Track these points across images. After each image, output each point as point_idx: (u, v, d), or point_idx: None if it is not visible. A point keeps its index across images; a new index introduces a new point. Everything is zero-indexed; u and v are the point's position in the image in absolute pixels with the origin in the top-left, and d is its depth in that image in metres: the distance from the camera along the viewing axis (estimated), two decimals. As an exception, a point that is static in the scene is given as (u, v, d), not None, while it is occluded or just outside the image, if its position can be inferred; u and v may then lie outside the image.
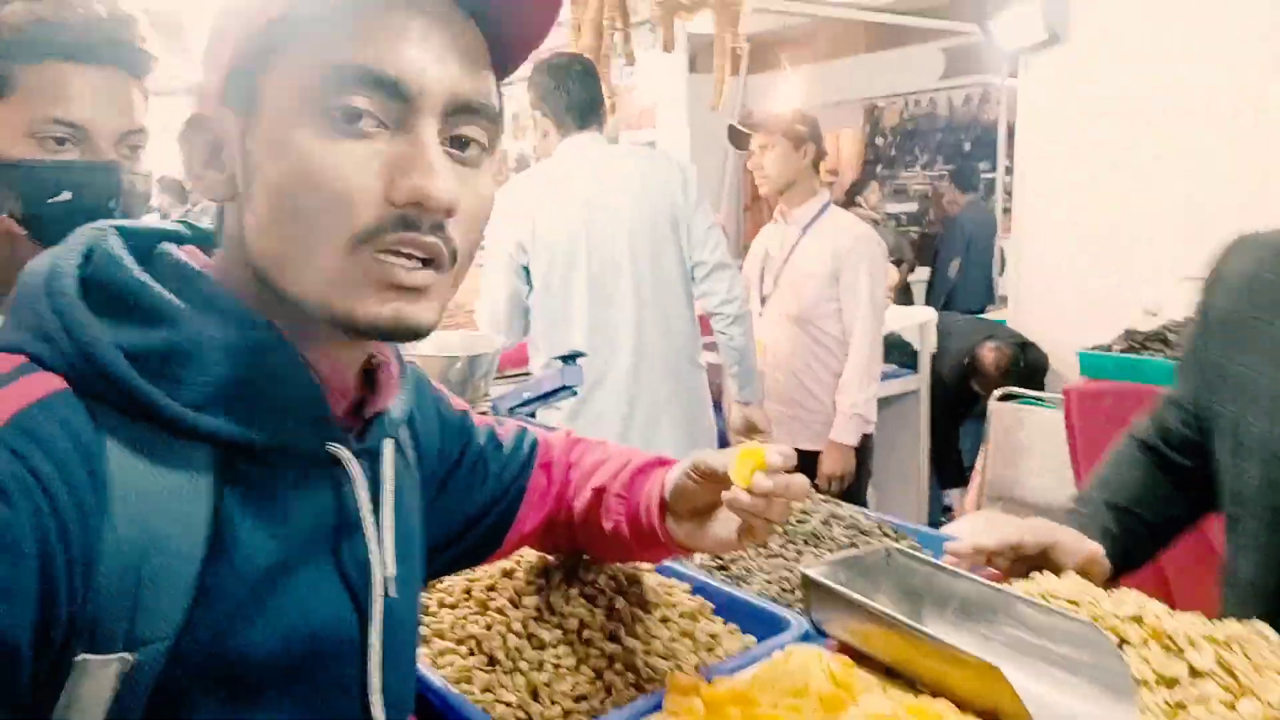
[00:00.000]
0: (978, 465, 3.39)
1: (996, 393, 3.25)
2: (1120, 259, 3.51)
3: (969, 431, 4.03)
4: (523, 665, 0.94)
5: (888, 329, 3.09)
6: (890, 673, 0.89)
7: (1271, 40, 3.07)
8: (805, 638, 0.97)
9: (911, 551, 0.98)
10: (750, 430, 2.61)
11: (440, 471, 0.84)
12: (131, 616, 0.53)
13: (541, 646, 0.95)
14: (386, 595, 0.66)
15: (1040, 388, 3.58)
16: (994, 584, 0.94)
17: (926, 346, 3.75)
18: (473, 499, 0.88)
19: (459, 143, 0.59)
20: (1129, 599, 0.93)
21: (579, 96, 2.32)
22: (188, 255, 0.62)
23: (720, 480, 0.79)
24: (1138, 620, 0.88)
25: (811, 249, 2.73)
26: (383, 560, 0.66)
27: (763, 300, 2.84)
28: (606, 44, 2.88)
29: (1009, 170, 6.86)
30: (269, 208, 0.57)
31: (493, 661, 0.95)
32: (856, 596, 0.87)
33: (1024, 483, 3.15)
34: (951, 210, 6.66)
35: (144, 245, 0.62)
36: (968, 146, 10.10)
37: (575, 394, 1.78)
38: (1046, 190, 3.85)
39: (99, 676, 0.53)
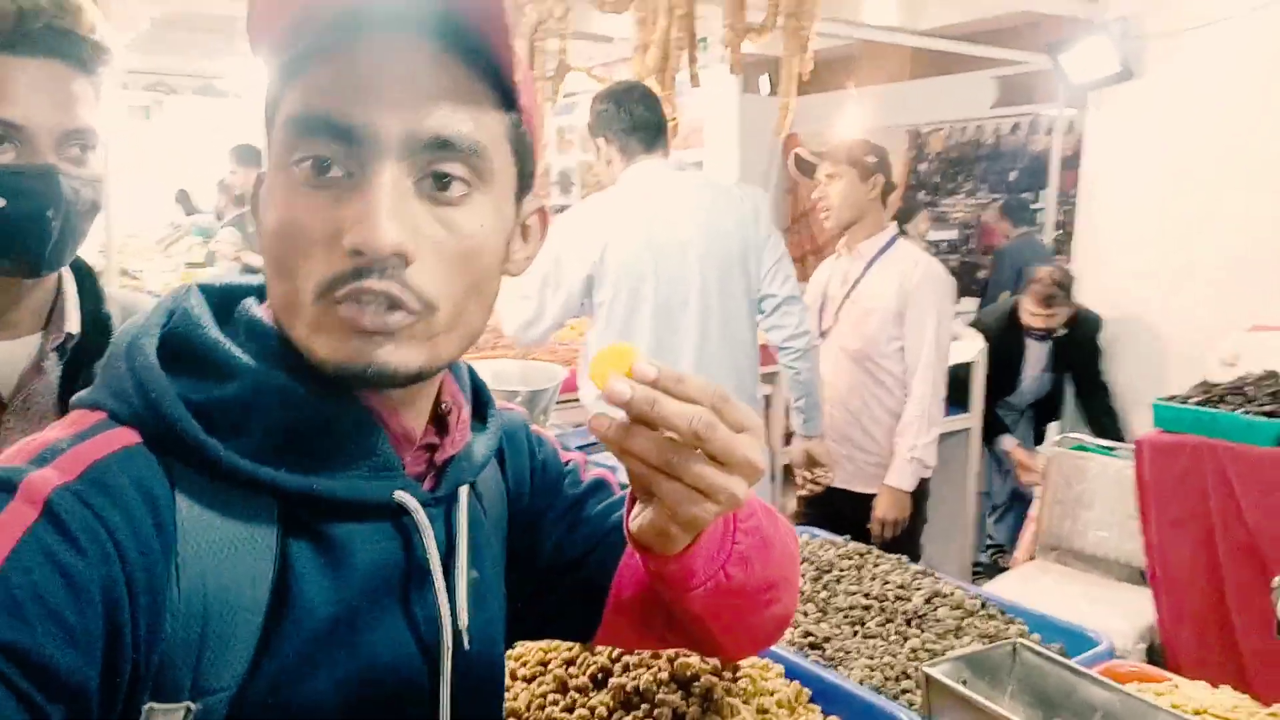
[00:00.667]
0: (1032, 512, 3.27)
1: (1060, 438, 3.13)
2: (1189, 304, 3.39)
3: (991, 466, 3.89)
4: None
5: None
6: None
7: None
8: (920, 741, 0.88)
9: (1042, 650, 0.89)
10: (811, 465, 2.52)
11: (532, 518, 0.80)
12: (197, 666, 0.55)
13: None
14: (460, 648, 0.65)
15: (1090, 363, 3.53)
16: (1135, 694, 0.84)
17: (977, 381, 3.64)
18: (562, 549, 0.80)
19: (439, 180, 0.58)
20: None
21: (643, 119, 2.25)
22: (263, 310, 0.63)
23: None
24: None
25: (876, 284, 2.63)
26: (454, 612, 0.65)
27: (822, 334, 2.75)
28: (673, 65, 2.81)
29: (1060, 201, 6.74)
30: (266, 261, 0.60)
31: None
32: (998, 709, 0.78)
33: (1083, 534, 3.03)
34: (1000, 242, 6.54)
35: (228, 301, 0.64)
36: (1013, 176, 9.98)
37: None
38: (1111, 227, 3.74)
39: None
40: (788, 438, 3.57)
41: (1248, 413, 2.49)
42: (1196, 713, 0.84)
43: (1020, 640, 0.91)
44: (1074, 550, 3.06)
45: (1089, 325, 3.57)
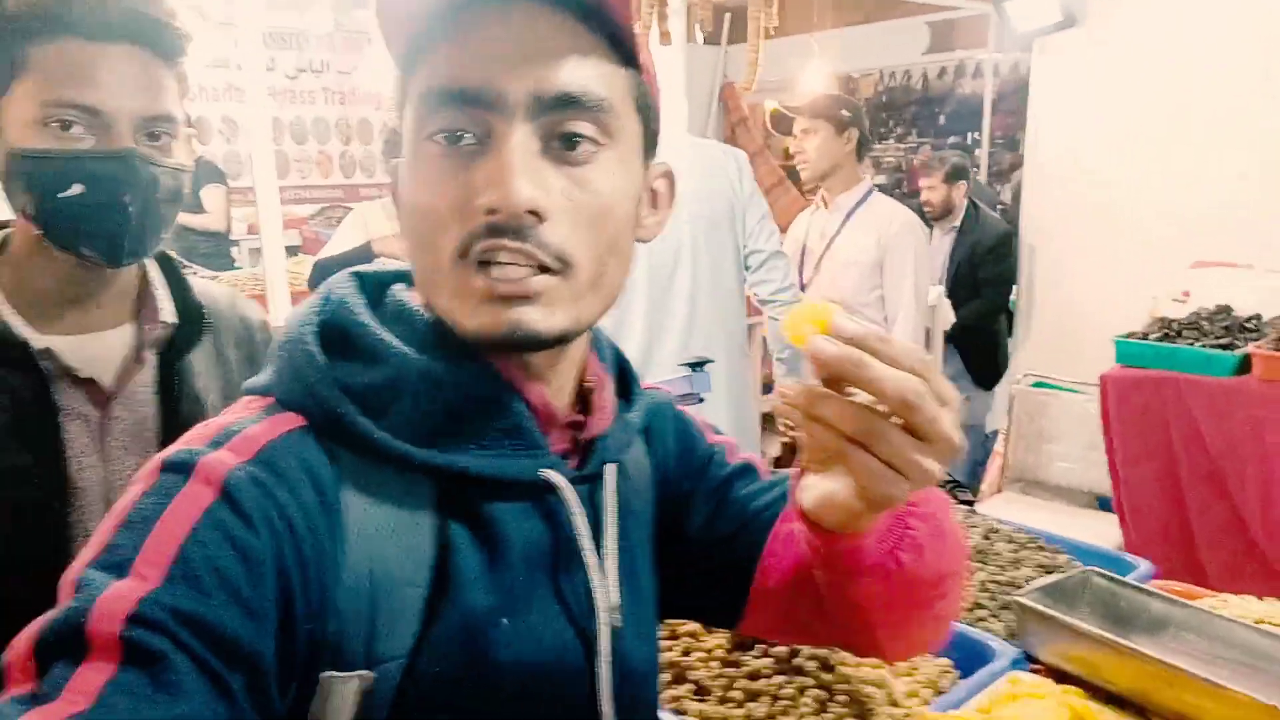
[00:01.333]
0: (997, 447, 3.43)
1: (1021, 377, 3.28)
2: (1137, 245, 3.56)
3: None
4: (735, 695, 0.91)
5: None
6: (1111, 698, 0.88)
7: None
8: (1014, 665, 0.96)
9: (1113, 576, 0.98)
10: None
11: (679, 497, 0.80)
12: (369, 637, 0.57)
13: (755, 676, 0.93)
14: (615, 627, 0.65)
15: (982, 264, 3.89)
16: (1203, 607, 0.94)
17: (939, 326, 3.78)
18: (707, 527, 0.79)
19: (568, 140, 0.58)
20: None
21: None
22: (410, 294, 0.65)
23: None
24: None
25: (855, 237, 2.71)
26: (606, 589, 0.65)
27: (803, 287, 2.82)
28: (644, 22, 2.81)
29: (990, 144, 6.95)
30: (406, 235, 0.61)
31: (701, 691, 0.93)
32: (1097, 630, 0.86)
33: (1047, 466, 3.20)
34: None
35: (381, 287, 0.66)
36: (942, 120, 10.19)
37: (702, 401, 1.75)
38: (1059, 173, 3.88)
39: (342, 693, 0.56)
40: (766, 387, 3.67)
41: (1205, 346, 2.65)
42: (1258, 621, 0.93)
43: (1093, 569, 1.00)
44: (1039, 481, 3.23)
45: (986, 225, 4.01)
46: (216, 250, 4.82)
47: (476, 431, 0.61)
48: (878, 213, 2.72)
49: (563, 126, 0.57)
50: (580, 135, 0.58)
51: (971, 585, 1.14)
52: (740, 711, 0.90)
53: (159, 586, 0.50)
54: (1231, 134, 3.29)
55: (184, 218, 4.72)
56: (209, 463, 0.55)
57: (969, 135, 9.72)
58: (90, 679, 0.47)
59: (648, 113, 0.63)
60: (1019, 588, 1.07)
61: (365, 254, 2.74)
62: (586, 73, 0.58)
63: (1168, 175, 3.47)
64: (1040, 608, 0.91)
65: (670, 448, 0.80)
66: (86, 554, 0.53)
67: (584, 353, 0.69)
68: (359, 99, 7.34)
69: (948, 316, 3.77)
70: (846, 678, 0.93)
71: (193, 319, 1.06)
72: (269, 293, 2.67)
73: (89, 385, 0.98)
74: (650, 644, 0.75)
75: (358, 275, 0.66)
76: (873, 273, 2.69)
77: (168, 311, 1.04)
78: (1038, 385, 3.29)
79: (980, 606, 1.11)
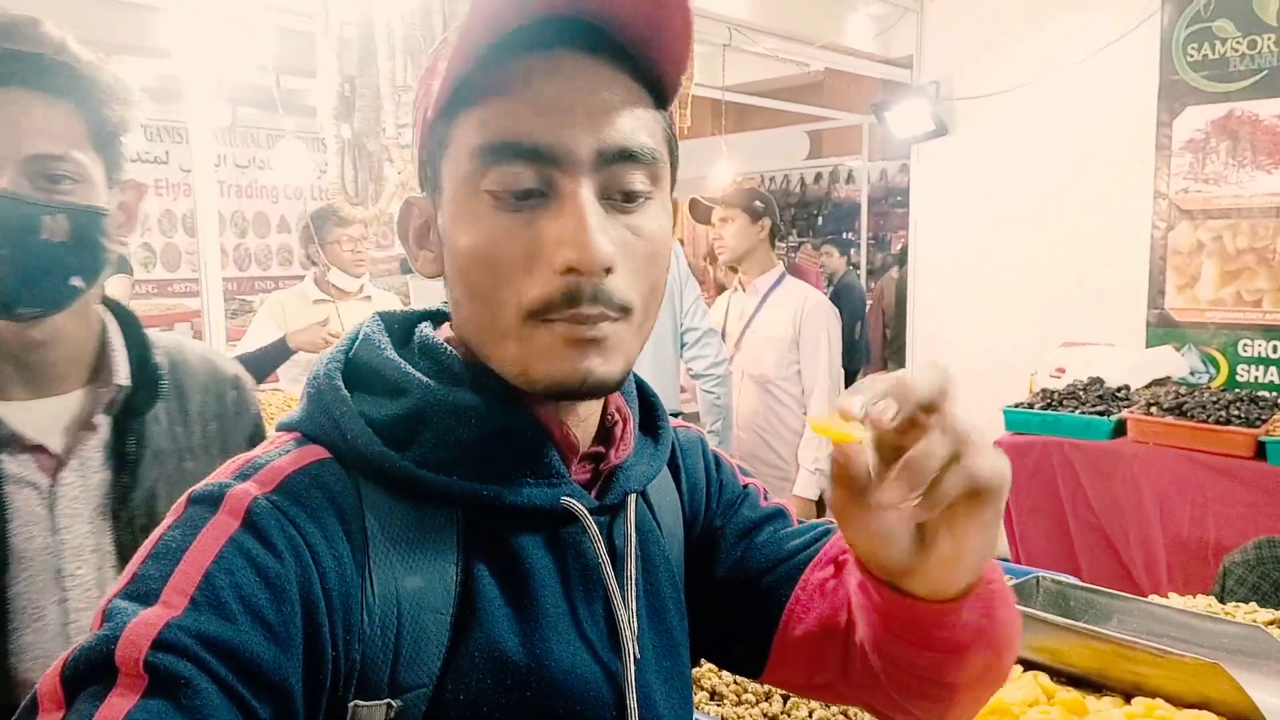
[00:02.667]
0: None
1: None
2: (1011, 326, 3.91)
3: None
4: (749, 698, 1.00)
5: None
6: (1071, 681, 1.01)
7: (1128, 132, 3.57)
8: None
9: (1060, 578, 1.12)
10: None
11: (709, 535, 0.78)
12: (394, 665, 0.57)
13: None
14: (636, 657, 0.65)
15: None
16: (1142, 599, 1.09)
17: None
18: (733, 568, 0.77)
19: (627, 194, 0.59)
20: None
21: None
22: (438, 332, 0.66)
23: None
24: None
25: (772, 316, 2.91)
26: (628, 618, 0.65)
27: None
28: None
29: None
30: (457, 283, 0.61)
31: (716, 695, 1.01)
32: (1058, 618, 1.00)
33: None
34: (814, 280, 7.14)
35: (407, 327, 0.68)
36: (820, 220, 10.81)
37: None
38: (939, 263, 4.26)
39: None
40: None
41: (1084, 412, 2.94)
42: (1182, 610, 1.09)
43: (1041, 573, 1.14)
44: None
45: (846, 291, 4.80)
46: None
47: (499, 461, 0.61)
48: (792, 294, 2.93)
49: (621, 180, 0.58)
50: (637, 187, 0.59)
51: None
52: (756, 709, 0.98)
53: (184, 613, 0.50)
54: (1086, 224, 3.71)
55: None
56: (235, 494, 0.56)
57: (844, 234, 10.37)
58: (117, 706, 0.47)
59: (674, 150, 0.64)
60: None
61: (283, 349, 2.76)
62: (638, 124, 0.59)
63: (1034, 263, 3.86)
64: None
65: (700, 482, 0.79)
66: (117, 586, 0.53)
67: None
68: (256, 192, 7.33)
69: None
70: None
71: (149, 381, 1.01)
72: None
73: (38, 451, 0.94)
74: (682, 673, 0.72)
75: (383, 316, 0.68)
76: (790, 348, 2.89)
77: (122, 374, 1.00)
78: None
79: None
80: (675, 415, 2.03)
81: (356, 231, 2.95)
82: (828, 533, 0.78)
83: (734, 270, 3.07)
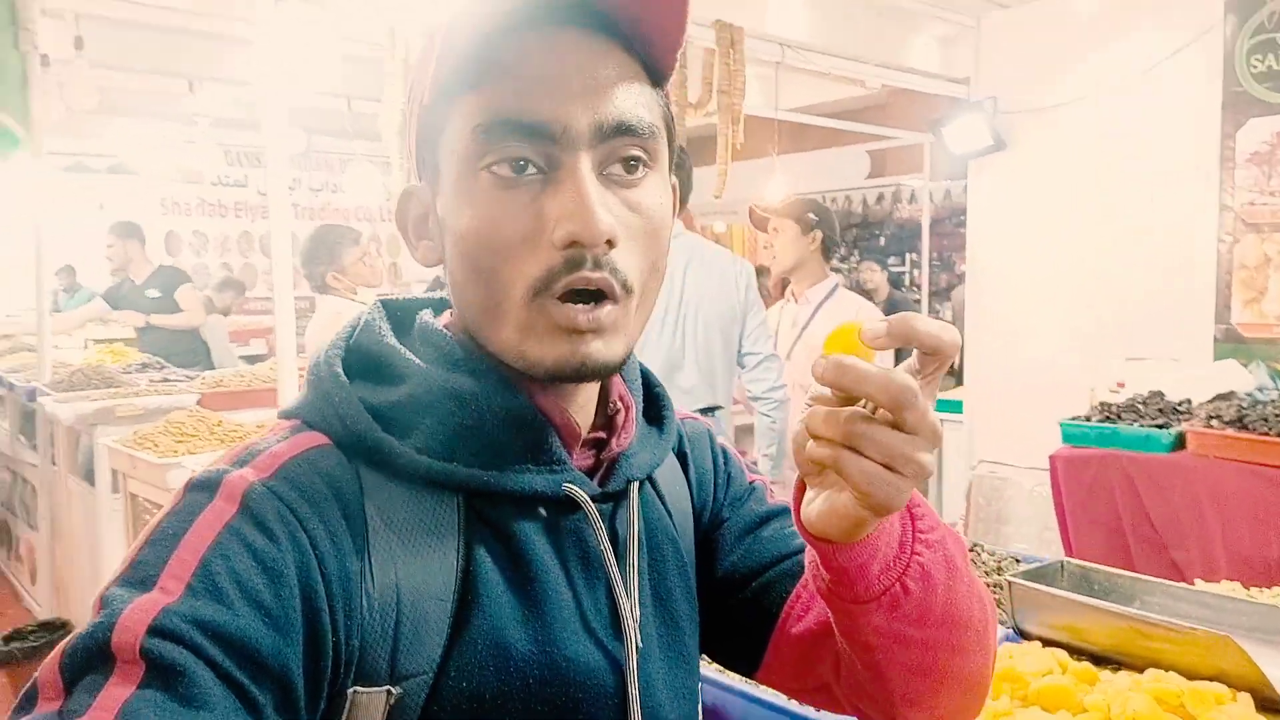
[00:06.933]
0: (958, 530, 3.61)
1: (978, 464, 3.49)
2: (1071, 341, 3.86)
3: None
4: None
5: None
6: (1096, 662, 1.03)
7: (1190, 145, 3.52)
8: (1005, 640, 1.11)
9: (1080, 562, 1.14)
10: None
11: (716, 527, 0.78)
12: (393, 652, 0.56)
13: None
14: (638, 645, 0.64)
15: None
16: (1162, 580, 1.11)
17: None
18: (735, 561, 0.76)
19: (627, 166, 0.59)
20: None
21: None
22: (437, 319, 0.66)
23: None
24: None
25: (824, 327, 2.94)
26: (630, 605, 0.65)
27: (775, 373, 3.03)
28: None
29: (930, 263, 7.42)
30: (457, 268, 0.61)
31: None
32: (1079, 597, 1.02)
33: (1005, 547, 3.38)
34: (879, 295, 7.06)
35: (408, 315, 0.68)
36: (882, 241, 10.73)
37: None
38: (997, 279, 4.23)
39: (368, 708, 0.56)
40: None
41: (1143, 426, 2.90)
42: (1203, 591, 1.10)
43: (1066, 558, 1.17)
44: (998, 562, 3.41)
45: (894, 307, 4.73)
46: (192, 347, 4.92)
47: (500, 448, 0.61)
48: (845, 305, 2.96)
49: (619, 154, 0.58)
50: (635, 160, 0.59)
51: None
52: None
53: (180, 598, 0.49)
54: (1148, 238, 3.66)
55: (160, 319, 4.85)
56: (232, 480, 0.55)
57: (906, 256, 10.28)
58: (114, 694, 0.46)
59: (671, 128, 0.64)
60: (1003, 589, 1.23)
61: None
62: (635, 100, 0.59)
63: (1094, 278, 3.81)
64: (1031, 584, 1.07)
65: (708, 473, 0.79)
66: (114, 573, 0.52)
67: None
68: (329, 214, 7.63)
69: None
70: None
71: None
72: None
73: None
74: (689, 661, 0.72)
75: (385, 303, 0.68)
76: None
77: None
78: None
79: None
80: (709, 412, 2.09)
81: (370, 246, 3.10)
82: None
83: (785, 282, 3.11)
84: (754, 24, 3.58)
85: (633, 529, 0.67)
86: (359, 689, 0.55)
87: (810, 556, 0.61)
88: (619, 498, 0.67)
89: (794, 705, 0.98)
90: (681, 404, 2.20)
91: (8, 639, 3.44)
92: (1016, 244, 4.16)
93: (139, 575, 0.51)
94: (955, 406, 4.47)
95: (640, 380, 0.72)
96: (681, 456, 0.77)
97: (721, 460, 0.80)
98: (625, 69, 0.60)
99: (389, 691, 0.56)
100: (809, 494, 0.56)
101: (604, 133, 0.57)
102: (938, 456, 4.73)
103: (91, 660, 0.48)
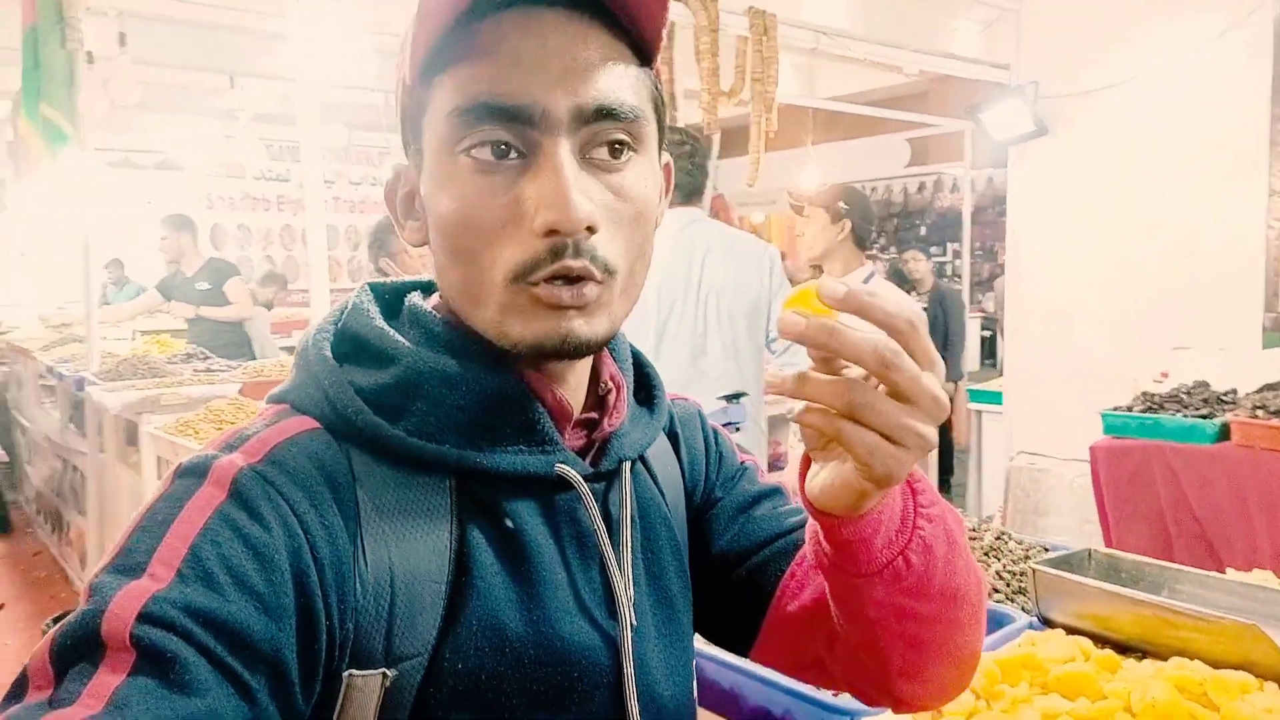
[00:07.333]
0: (996, 523, 3.56)
1: (1016, 455, 3.44)
2: (1113, 330, 3.79)
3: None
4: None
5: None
6: (1123, 651, 1.02)
7: (1237, 128, 3.42)
8: (1029, 628, 1.09)
9: (1113, 552, 1.12)
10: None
11: (709, 507, 0.78)
12: (388, 634, 0.56)
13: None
14: (633, 624, 0.64)
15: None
16: (1190, 569, 1.08)
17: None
18: (729, 542, 0.77)
19: (611, 150, 0.58)
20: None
21: (687, 174, 2.48)
22: (427, 301, 0.66)
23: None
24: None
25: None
26: (624, 585, 0.65)
27: (809, 362, 3.00)
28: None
29: (972, 253, 7.29)
30: (440, 249, 0.61)
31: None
32: (1104, 585, 1.01)
33: (1044, 538, 3.33)
34: (924, 286, 6.96)
35: (397, 297, 0.67)
36: (923, 231, 10.56)
37: (738, 430, 1.91)
38: (1038, 266, 4.15)
39: (364, 691, 0.56)
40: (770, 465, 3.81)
41: (1187, 416, 2.83)
42: (1232, 580, 1.08)
43: (1093, 548, 1.15)
44: (1037, 555, 3.36)
45: (942, 297, 5.42)
46: (236, 340, 5.01)
47: (491, 429, 0.61)
48: (878, 294, 2.92)
49: (601, 138, 0.58)
50: (619, 144, 0.58)
51: (987, 575, 1.28)
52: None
53: (170, 585, 0.49)
54: (1196, 225, 3.57)
55: (209, 311, 4.95)
56: (221, 465, 0.55)
57: (948, 246, 10.11)
58: (105, 682, 0.46)
59: (660, 108, 0.63)
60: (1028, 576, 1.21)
61: None
62: (619, 82, 0.58)
63: (1137, 265, 3.73)
64: (1055, 571, 1.05)
65: (699, 453, 0.79)
66: (104, 560, 0.52)
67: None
68: (369, 207, 7.73)
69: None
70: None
71: None
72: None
73: None
74: (683, 639, 0.72)
75: (373, 286, 0.68)
76: None
77: None
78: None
79: (996, 591, 1.25)
80: (734, 398, 2.08)
81: None
82: None
83: (818, 269, 3.08)
84: (790, 11, 3.55)
85: (626, 508, 0.67)
86: (354, 672, 0.56)
87: (812, 531, 0.61)
88: (611, 477, 0.67)
89: (786, 680, 0.97)
90: (707, 390, 2.21)
91: (58, 620, 3.54)
92: (1058, 231, 4.08)
93: (128, 562, 0.51)
94: (995, 397, 4.41)
95: (631, 360, 0.72)
96: (673, 436, 0.77)
97: (713, 440, 0.80)
98: (609, 50, 0.58)
99: (384, 674, 0.56)
100: (813, 468, 0.56)
101: (584, 116, 0.57)
102: (976, 447, 4.70)
103: (81, 648, 0.47)
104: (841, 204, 2.94)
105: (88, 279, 3.93)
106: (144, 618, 0.47)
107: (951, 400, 4.18)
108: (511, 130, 0.56)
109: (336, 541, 0.55)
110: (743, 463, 0.81)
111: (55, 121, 3.30)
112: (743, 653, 0.77)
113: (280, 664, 0.51)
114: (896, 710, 0.72)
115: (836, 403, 0.49)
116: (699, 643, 0.78)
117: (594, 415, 0.67)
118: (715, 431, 0.81)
